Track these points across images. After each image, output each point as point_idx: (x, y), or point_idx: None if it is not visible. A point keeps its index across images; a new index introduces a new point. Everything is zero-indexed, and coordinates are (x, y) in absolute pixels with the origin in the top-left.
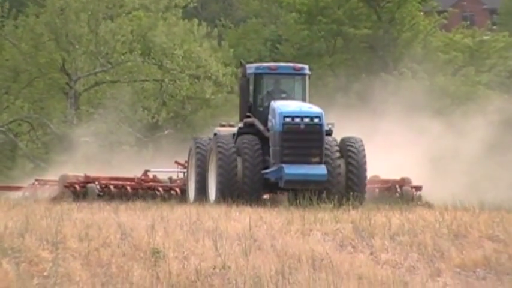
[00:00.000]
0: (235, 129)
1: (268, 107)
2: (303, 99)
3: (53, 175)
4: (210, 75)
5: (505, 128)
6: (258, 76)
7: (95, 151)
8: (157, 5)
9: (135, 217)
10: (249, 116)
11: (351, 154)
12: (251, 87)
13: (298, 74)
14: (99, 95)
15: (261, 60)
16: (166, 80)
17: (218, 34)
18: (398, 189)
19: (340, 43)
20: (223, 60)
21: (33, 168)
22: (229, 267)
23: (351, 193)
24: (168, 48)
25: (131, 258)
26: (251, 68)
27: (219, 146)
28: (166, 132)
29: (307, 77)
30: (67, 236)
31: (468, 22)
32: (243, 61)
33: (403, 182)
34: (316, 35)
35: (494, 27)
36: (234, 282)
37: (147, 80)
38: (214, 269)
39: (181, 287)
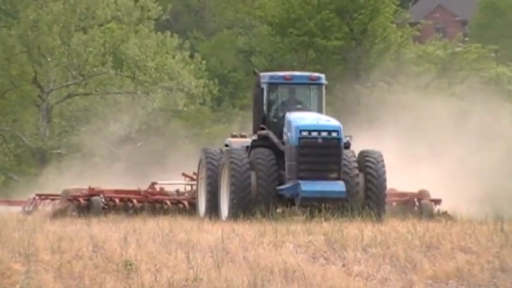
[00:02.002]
0: (247, 140)
1: (283, 118)
2: (319, 111)
3: (24, 188)
4: (182, 87)
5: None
6: (273, 86)
7: (67, 163)
8: (129, 17)
9: (108, 229)
10: (263, 128)
11: (370, 169)
12: (265, 98)
13: (314, 83)
14: (71, 107)
15: (234, 72)
16: (138, 92)
17: (190, 46)
18: (417, 203)
19: (312, 55)
20: (196, 72)
21: (5, 180)
22: (202, 280)
23: (370, 208)
24: (141, 61)
25: (104, 270)
26: (265, 77)
27: (232, 162)
28: (138, 144)
29: (323, 87)
30: (39, 248)
31: (441, 34)
32: (256, 70)
33: (422, 195)
34: (288, 47)
35: (466, 38)
36: None
37: (119, 93)
38: (186, 281)
39: None
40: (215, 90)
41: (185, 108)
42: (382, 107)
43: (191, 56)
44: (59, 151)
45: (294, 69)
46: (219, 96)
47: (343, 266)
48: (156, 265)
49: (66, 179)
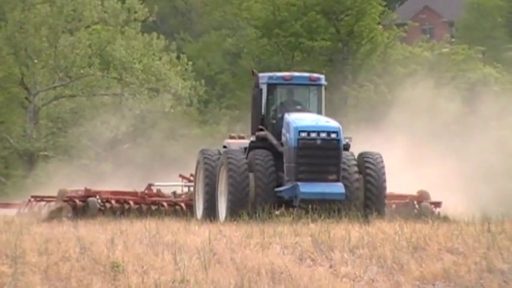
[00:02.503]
0: (245, 141)
1: (281, 119)
2: (319, 112)
3: (12, 190)
4: (169, 88)
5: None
6: (271, 86)
7: (54, 165)
8: (116, 19)
9: (94, 231)
10: (261, 129)
11: (369, 170)
12: (263, 98)
13: (314, 84)
14: (58, 109)
15: (221, 73)
16: (125, 93)
17: (177, 48)
18: (417, 205)
19: (299, 56)
20: (182, 73)
21: None
22: (189, 281)
23: (370, 210)
24: (127, 62)
25: (90, 272)
26: (264, 77)
27: (230, 162)
28: (125, 146)
29: (323, 88)
30: (26, 250)
31: (428, 35)
32: (255, 70)
33: (421, 197)
34: (274, 49)
35: (453, 39)
36: None
37: (106, 94)
38: (173, 282)
39: None
40: (202, 92)
41: (172, 110)
42: (369, 107)
43: (178, 58)
44: (46, 153)
45: (280, 71)
46: (206, 97)
47: (330, 267)
48: (143, 267)
49: (53, 181)
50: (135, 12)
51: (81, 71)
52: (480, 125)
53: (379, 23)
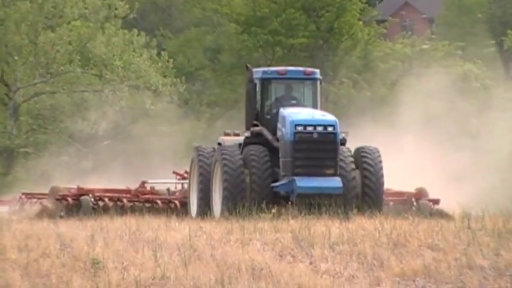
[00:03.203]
0: (240, 138)
1: (276, 114)
2: (314, 106)
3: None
4: (149, 85)
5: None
6: (266, 81)
7: (34, 162)
8: (96, 15)
9: (75, 227)
10: (256, 125)
11: (366, 165)
12: (258, 93)
13: (309, 78)
14: (38, 105)
15: (201, 69)
16: (105, 90)
17: (157, 44)
18: (415, 203)
19: (279, 52)
20: (163, 70)
21: None
22: (169, 278)
23: (368, 204)
24: (108, 59)
25: (71, 268)
26: (258, 72)
27: (224, 158)
28: (106, 142)
29: (318, 82)
30: (6, 246)
31: (410, 32)
32: (249, 65)
33: (420, 195)
34: (255, 45)
35: (433, 36)
36: None
37: (86, 91)
38: (153, 279)
39: None
40: (182, 88)
41: (152, 107)
42: (349, 104)
43: (158, 54)
44: (26, 150)
45: (260, 67)
46: (186, 94)
47: (311, 263)
48: (123, 263)
49: (33, 178)
50: (116, 9)
51: (62, 68)
52: (461, 120)
53: (359, 20)
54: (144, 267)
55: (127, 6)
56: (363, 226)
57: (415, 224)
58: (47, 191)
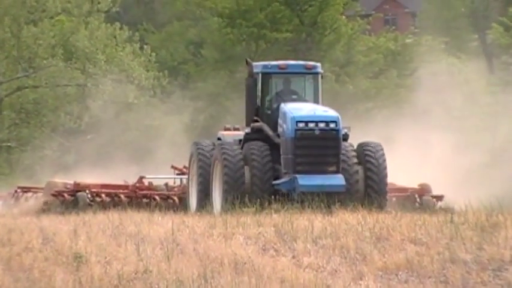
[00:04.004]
0: (240, 133)
1: (277, 109)
2: (316, 101)
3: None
4: (132, 79)
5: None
6: (266, 75)
7: (16, 156)
8: (79, 9)
9: (57, 222)
10: (256, 120)
11: (369, 160)
12: (258, 88)
13: (310, 73)
14: (21, 100)
15: (184, 64)
16: (88, 84)
17: (140, 38)
18: (418, 199)
19: (263, 45)
20: (146, 64)
21: None
22: (152, 272)
23: (372, 200)
24: (91, 53)
25: (53, 262)
26: (258, 66)
27: (224, 153)
28: (89, 137)
29: (319, 76)
30: None
31: (393, 27)
32: (249, 60)
33: (423, 190)
34: (238, 38)
35: (417, 30)
36: (156, 286)
37: (69, 85)
38: (136, 273)
39: None
40: (165, 82)
41: (135, 101)
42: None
43: (141, 48)
44: (9, 144)
45: (243, 61)
46: (169, 88)
47: (293, 257)
48: (106, 257)
49: (16, 172)
50: (99, 3)
51: (44, 62)
52: (444, 114)
53: (342, 14)
54: (127, 261)
55: (110, 0)
56: (345, 220)
57: (397, 218)
58: (29, 184)
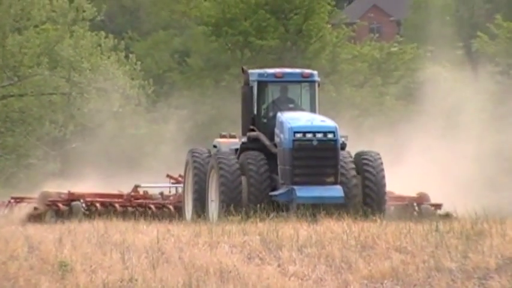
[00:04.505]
0: (236, 141)
1: (273, 118)
2: (312, 110)
3: None
4: (117, 88)
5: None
6: (262, 84)
7: (1, 164)
8: (64, 18)
9: (43, 230)
10: (252, 130)
11: (368, 169)
12: (254, 97)
13: (307, 81)
14: (6, 108)
15: (169, 72)
16: (73, 93)
17: (125, 47)
18: (416, 207)
19: (248, 54)
20: (131, 73)
21: None
22: (137, 280)
23: (370, 208)
24: (76, 62)
25: (39, 271)
26: (254, 74)
27: (220, 162)
28: (73, 145)
29: (316, 85)
30: None
31: (377, 34)
32: (245, 67)
33: (421, 199)
34: (223, 47)
35: (402, 38)
36: None
37: (54, 94)
38: (121, 281)
39: None
40: (150, 91)
41: (120, 109)
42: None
43: (126, 57)
44: None
45: (230, 69)
46: (154, 97)
47: (279, 266)
48: (91, 266)
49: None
50: (84, 11)
51: (29, 71)
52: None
53: (327, 22)
54: (112, 270)
55: (95, 8)
56: (331, 229)
57: (383, 226)
58: (15, 194)
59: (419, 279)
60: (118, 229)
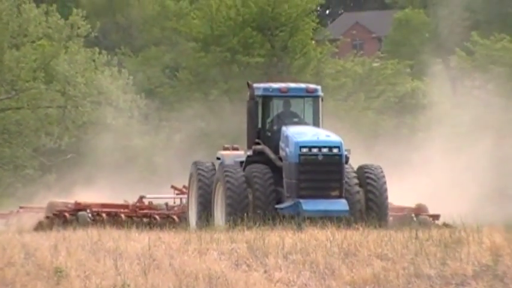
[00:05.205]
0: (239, 153)
1: (278, 131)
2: (316, 124)
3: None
4: (110, 101)
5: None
6: (267, 98)
7: None
8: (60, 34)
9: (39, 237)
10: (258, 143)
11: (371, 183)
12: (259, 111)
13: (311, 96)
14: (4, 121)
15: (160, 87)
16: (68, 106)
17: (118, 62)
18: (415, 218)
19: (236, 70)
20: (123, 87)
21: None
22: (129, 286)
23: (373, 220)
24: (71, 76)
25: (35, 277)
26: (259, 89)
27: (227, 175)
28: (68, 156)
29: (320, 99)
30: None
31: (361, 51)
32: (250, 82)
33: (420, 210)
34: (212, 62)
35: (383, 54)
36: None
37: (50, 107)
38: (114, 287)
39: None
40: (142, 104)
41: (113, 122)
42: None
43: (119, 72)
44: None
45: (218, 84)
46: (146, 109)
47: (265, 272)
48: (85, 272)
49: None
50: (78, 28)
51: (26, 84)
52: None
53: (312, 39)
54: (105, 276)
55: (89, 25)
56: (315, 236)
57: (365, 234)
58: (13, 203)
59: (399, 285)
60: (111, 236)
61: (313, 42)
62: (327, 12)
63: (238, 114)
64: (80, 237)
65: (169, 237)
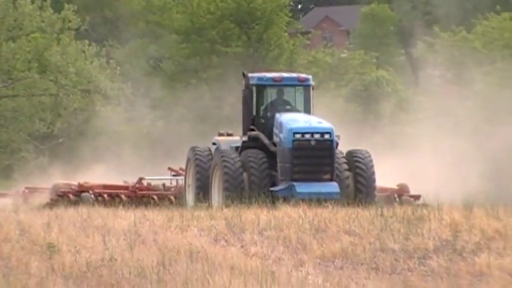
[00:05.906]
0: (234, 139)
1: (271, 118)
2: (307, 111)
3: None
4: (99, 89)
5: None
6: (261, 87)
7: None
8: (52, 27)
9: (33, 215)
10: (252, 129)
11: (359, 166)
12: (254, 99)
13: (302, 85)
14: (1, 108)
15: (145, 76)
16: (60, 94)
17: (106, 53)
18: (397, 199)
19: (215, 60)
20: (111, 76)
21: None
22: (116, 260)
23: (361, 201)
24: (62, 66)
25: (29, 252)
26: (254, 78)
27: (224, 160)
28: (60, 140)
29: (311, 88)
30: None
31: (330, 43)
32: (245, 72)
33: (402, 191)
34: (192, 53)
35: (351, 46)
36: (120, 272)
37: (43, 95)
38: (102, 261)
39: (73, 277)
40: (128, 93)
41: (102, 109)
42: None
43: (107, 63)
44: None
45: (198, 73)
46: (132, 97)
47: (242, 247)
48: (75, 247)
49: None
50: (69, 22)
51: (22, 74)
52: (374, 122)
53: (285, 31)
54: (94, 251)
55: (79, 19)
56: (288, 214)
57: (334, 212)
58: (11, 184)
59: (366, 259)
60: (99, 214)
61: (287, 34)
62: (299, 7)
63: (217, 100)
64: (70, 215)
65: (153, 215)
